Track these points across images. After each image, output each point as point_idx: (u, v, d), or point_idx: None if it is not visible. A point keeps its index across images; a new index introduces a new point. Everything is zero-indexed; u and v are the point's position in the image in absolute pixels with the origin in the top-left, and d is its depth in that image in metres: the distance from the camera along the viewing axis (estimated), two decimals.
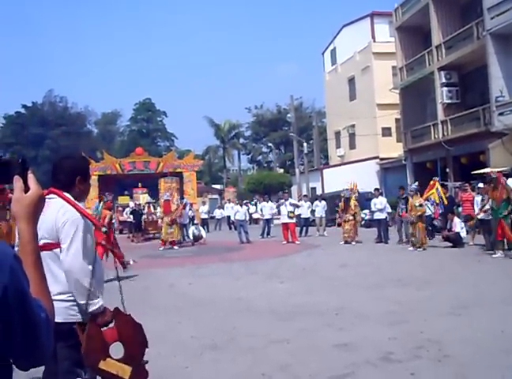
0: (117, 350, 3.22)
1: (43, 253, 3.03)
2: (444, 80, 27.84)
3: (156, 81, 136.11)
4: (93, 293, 3.10)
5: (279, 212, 22.90)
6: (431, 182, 18.31)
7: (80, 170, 3.35)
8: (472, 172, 21.85)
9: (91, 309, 3.09)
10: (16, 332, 1.28)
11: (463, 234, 16.68)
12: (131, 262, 12.80)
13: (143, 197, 32.91)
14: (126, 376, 3.07)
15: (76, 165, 3.36)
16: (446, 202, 18.10)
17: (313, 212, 24.99)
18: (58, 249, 3.11)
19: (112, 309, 3.23)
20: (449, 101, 28.01)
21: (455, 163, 27.25)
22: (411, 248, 16.60)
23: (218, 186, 64.63)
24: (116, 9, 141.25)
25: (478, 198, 15.65)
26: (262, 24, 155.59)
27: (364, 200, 26.51)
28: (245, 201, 33.41)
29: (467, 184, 18.97)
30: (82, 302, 3.08)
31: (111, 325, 3.21)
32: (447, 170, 27.51)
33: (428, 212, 17.85)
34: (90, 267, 3.11)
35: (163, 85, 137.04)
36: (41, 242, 3.02)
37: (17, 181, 1.50)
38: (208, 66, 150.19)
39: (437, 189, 18.07)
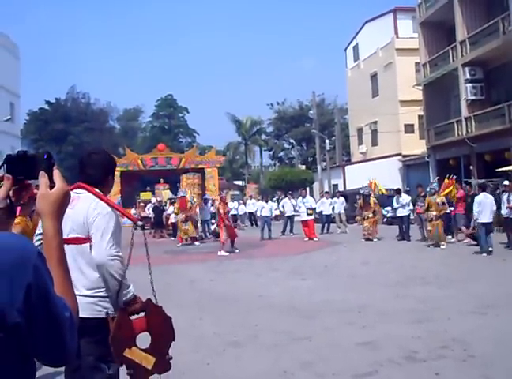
0: (143, 340, 3.23)
1: (71, 247, 3.04)
2: (468, 77, 27.49)
3: (177, 77, 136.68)
4: (125, 283, 3.11)
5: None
6: (447, 181, 18.09)
7: (111, 169, 3.42)
8: (497, 169, 21.57)
9: (123, 299, 3.11)
10: (39, 330, 1.26)
11: None
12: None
13: (165, 193, 33.03)
14: (149, 366, 3.11)
15: (107, 162, 3.40)
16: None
17: (334, 208, 24.84)
18: (86, 244, 3.11)
19: (144, 299, 3.25)
20: (474, 97, 27.67)
21: (479, 161, 26.90)
22: (431, 245, 16.45)
23: (239, 183, 64.76)
24: (138, 6, 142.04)
25: (504, 196, 15.41)
26: (284, 19, 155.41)
27: (386, 197, 26.35)
28: (276, 197, 33.39)
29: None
30: (115, 295, 3.09)
31: (142, 315, 3.22)
32: (471, 167, 27.17)
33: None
34: (120, 259, 3.12)
35: (185, 81, 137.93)
36: (70, 236, 3.04)
37: (43, 177, 1.48)
38: (230, 62, 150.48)
39: (454, 187, 17.87)
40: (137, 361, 3.08)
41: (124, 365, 3.12)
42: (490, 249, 14.24)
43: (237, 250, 17.42)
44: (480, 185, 16.45)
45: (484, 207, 14.59)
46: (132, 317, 3.19)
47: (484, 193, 15.11)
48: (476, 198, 14.89)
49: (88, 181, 3.21)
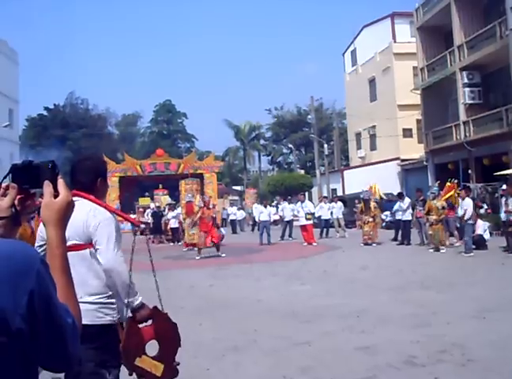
0: (150, 347, 3.27)
1: (70, 254, 3.05)
2: (466, 81, 27.56)
3: (176, 83, 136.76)
4: (133, 289, 3.13)
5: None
6: (449, 184, 18.13)
7: (100, 172, 3.37)
8: (495, 173, 21.60)
9: (132, 305, 3.13)
10: (42, 336, 1.28)
11: (486, 236, 16.51)
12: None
13: (164, 199, 33.02)
14: (158, 373, 3.17)
15: (96, 167, 3.37)
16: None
17: (332, 213, 24.84)
18: (85, 251, 3.13)
19: (151, 307, 3.28)
20: (472, 101, 27.75)
21: (477, 165, 26.93)
22: (431, 250, 16.48)
23: (238, 187, 64.74)
24: (137, 12, 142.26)
25: (503, 200, 15.60)
26: (282, 25, 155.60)
27: (385, 201, 26.35)
28: (275, 202, 33.40)
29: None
30: (126, 300, 3.11)
31: (149, 323, 3.25)
32: (469, 171, 27.21)
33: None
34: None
35: (184, 87, 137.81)
36: (68, 243, 3.04)
37: (47, 187, 1.51)
38: (229, 67, 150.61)
39: (455, 191, 17.90)
40: (147, 369, 3.14)
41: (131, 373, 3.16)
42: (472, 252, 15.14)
43: (197, 257, 17.37)
44: (464, 189, 17.17)
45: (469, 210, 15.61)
46: (140, 326, 3.23)
47: (468, 197, 16.12)
48: (464, 202, 15.82)
49: (81, 188, 3.21)
